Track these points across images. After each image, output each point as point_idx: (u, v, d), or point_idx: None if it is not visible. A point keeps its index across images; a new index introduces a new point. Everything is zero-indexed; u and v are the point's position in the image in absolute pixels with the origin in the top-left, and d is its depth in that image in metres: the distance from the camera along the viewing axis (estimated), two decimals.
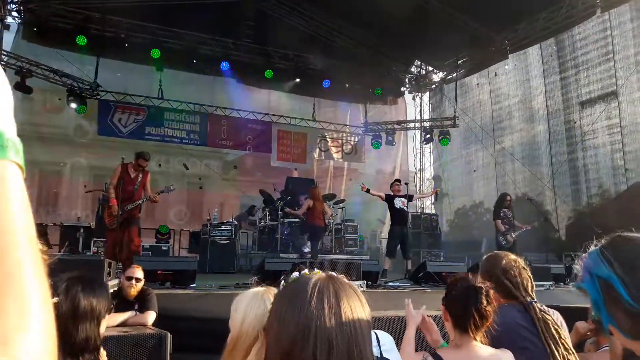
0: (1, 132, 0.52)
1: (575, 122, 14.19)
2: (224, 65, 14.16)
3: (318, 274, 1.16)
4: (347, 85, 15.75)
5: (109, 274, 5.58)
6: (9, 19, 12.67)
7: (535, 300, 2.46)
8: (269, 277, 6.83)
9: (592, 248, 1.31)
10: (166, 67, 14.12)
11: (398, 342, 2.64)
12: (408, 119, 18.28)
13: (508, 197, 11.17)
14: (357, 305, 1.09)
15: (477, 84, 17.32)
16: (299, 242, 10.79)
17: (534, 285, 2.56)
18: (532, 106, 15.78)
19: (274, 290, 1.98)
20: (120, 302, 4.52)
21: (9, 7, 12.33)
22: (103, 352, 2.52)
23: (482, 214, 17.55)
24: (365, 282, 6.88)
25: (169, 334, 4.05)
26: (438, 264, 9.33)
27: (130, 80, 14.85)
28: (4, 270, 0.49)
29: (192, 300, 5.76)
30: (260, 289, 1.99)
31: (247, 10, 13.59)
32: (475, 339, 2.14)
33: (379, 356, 1.82)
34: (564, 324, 2.58)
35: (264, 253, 11.91)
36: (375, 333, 1.83)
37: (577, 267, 1.34)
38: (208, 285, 6.86)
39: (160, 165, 16.42)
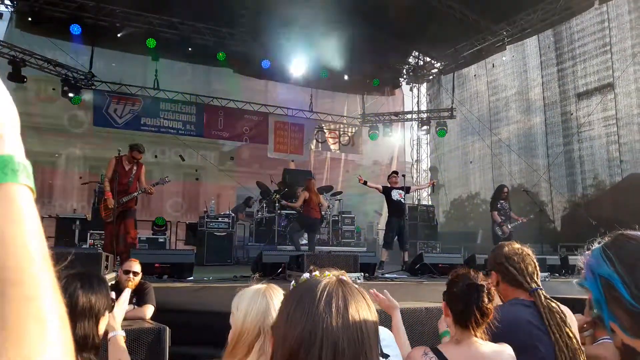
0: (11, 155, 0.53)
1: (571, 114, 14.22)
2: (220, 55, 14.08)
3: (328, 277, 1.15)
4: (346, 76, 15.68)
5: (106, 267, 5.56)
6: (2, 7, 12.55)
7: (541, 287, 2.45)
8: (267, 270, 6.90)
9: (595, 245, 1.31)
10: (162, 57, 14.03)
11: None
12: (405, 110, 18.27)
13: (505, 189, 11.23)
14: (365, 311, 1.09)
15: (475, 75, 17.31)
16: (296, 234, 10.77)
17: (538, 273, 2.54)
18: (529, 98, 15.79)
19: (275, 287, 1.98)
20: (118, 295, 4.50)
21: None
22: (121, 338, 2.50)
23: (478, 204, 17.61)
24: (362, 274, 6.89)
25: (167, 328, 4.05)
26: (435, 256, 9.36)
27: (126, 71, 14.75)
28: (24, 294, 0.50)
29: (190, 293, 5.76)
30: (261, 285, 1.98)
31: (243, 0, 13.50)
32: (476, 335, 2.14)
33: (379, 352, 1.83)
34: (574, 320, 2.57)
35: (261, 245, 11.92)
36: None
37: (580, 264, 1.33)
38: (206, 278, 6.86)
39: (156, 156, 16.36)
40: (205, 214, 11.20)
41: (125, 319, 4.34)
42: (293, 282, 1.23)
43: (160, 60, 14.09)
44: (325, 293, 1.08)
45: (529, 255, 2.53)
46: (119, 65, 14.75)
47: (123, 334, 2.67)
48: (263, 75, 15.78)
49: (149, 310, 4.57)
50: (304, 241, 11.40)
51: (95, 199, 11.22)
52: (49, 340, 0.50)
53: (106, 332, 2.46)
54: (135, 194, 8.13)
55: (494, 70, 16.78)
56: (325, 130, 17.44)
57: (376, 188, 9.86)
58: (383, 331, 1.96)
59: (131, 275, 4.67)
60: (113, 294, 2.51)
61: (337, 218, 14.04)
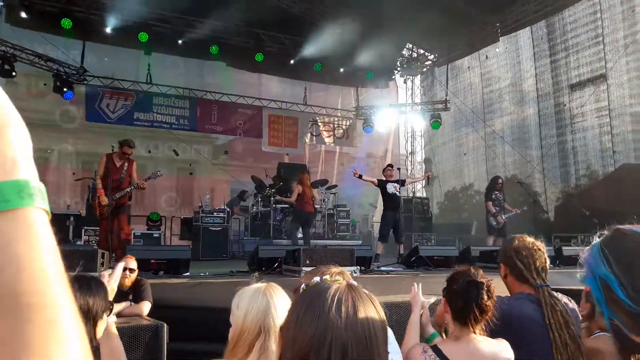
0: (27, 180, 0.54)
1: (564, 105, 14.28)
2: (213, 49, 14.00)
3: (339, 281, 1.17)
4: (340, 69, 15.64)
5: (102, 264, 5.54)
6: None
7: (547, 284, 2.44)
8: (263, 265, 6.89)
9: (595, 240, 1.30)
10: (154, 51, 13.93)
11: (393, 328, 2.68)
12: (399, 102, 18.26)
13: (500, 180, 11.31)
14: (374, 317, 1.10)
15: (468, 67, 17.33)
16: (292, 228, 10.75)
17: (547, 269, 2.52)
18: (522, 89, 15.84)
19: (275, 286, 1.98)
20: (115, 293, 4.49)
21: None
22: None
23: (472, 196, 17.69)
24: (358, 267, 6.91)
25: (165, 324, 4.05)
26: (430, 248, 9.40)
27: (118, 65, 14.64)
28: (46, 317, 0.51)
29: (186, 289, 5.75)
30: (261, 284, 1.98)
31: None
32: (475, 332, 2.15)
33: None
34: (579, 317, 2.57)
35: (256, 239, 11.92)
36: None
37: (581, 260, 1.33)
38: (202, 274, 6.85)
39: (149, 151, 16.30)
40: (200, 209, 11.17)
41: (122, 315, 4.36)
42: (303, 285, 1.24)
43: (152, 54, 13.99)
44: (336, 298, 1.09)
45: (539, 250, 2.51)
46: (111, 59, 14.64)
47: (114, 319, 2.65)
48: (256, 68, 15.72)
49: (145, 306, 4.58)
50: (299, 235, 11.40)
51: (89, 194, 11.17)
52: None
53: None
54: (128, 189, 8.12)
55: (488, 61, 16.80)
56: (319, 124, 17.41)
57: (371, 182, 9.87)
58: None
59: (127, 272, 4.67)
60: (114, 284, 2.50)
61: (332, 211, 14.04)
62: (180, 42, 13.62)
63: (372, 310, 1.11)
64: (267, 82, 16.94)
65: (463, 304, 2.16)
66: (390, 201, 9.53)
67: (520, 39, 15.72)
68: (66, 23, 12.16)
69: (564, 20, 14.29)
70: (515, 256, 2.49)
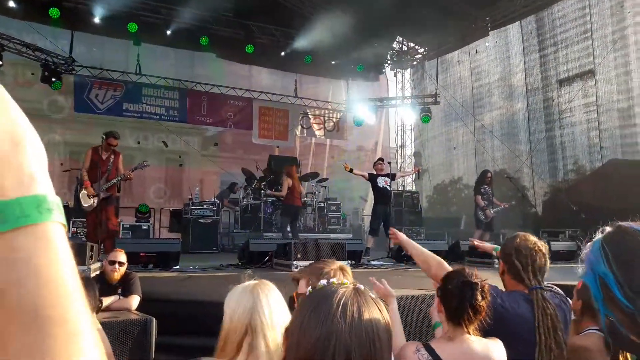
0: (45, 195, 0.55)
1: (553, 100, 14.34)
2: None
3: (345, 285, 1.18)
4: (330, 62, 15.60)
5: (91, 257, 5.52)
6: None
7: (542, 286, 2.45)
8: (254, 259, 6.89)
9: (597, 236, 1.31)
10: (144, 41, 13.81)
11: None
12: (390, 95, 18.27)
13: (489, 174, 11.40)
14: (379, 322, 1.12)
15: (458, 61, 17.35)
16: (283, 222, 10.69)
17: (545, 271, 2.53)
18: (511, 84, 15.89)
19: (266, 283, 1.96)
20: (104, 286, 4.49)
21: None
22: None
23: (461, 189, 17.77)
24: (349, 262, 6.92)
25: (154, 319, 4.05)
26: (420, 242, 9.41)
27: (107, 55, 14.52)
28: (68, 331, 0.52)
29: (176, 282, 5.75)
30: (250, 282, 1.95)
31: None
32: (469, 332, 2.17)
33: None
34: (571, 317, 2.60)
35: (247, 232, 11.90)
36: None
37: (582, 255, 1.33)
38: (192, 267, 6.84)
39: (139, 142, 16.19)
40: (190, 201, 11.13)
41: (111, 309, 4.36)
42: (310, 288, 1.25)
43: (142, 45, 13.86)
44: (342, 302, 1.10)
45: (540, 251, 2.51)
46: (100, 49, 14.51)
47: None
48: (247, 59, 15.64)
49: (134, 300, 4.57)
50: (289, 228, 11.40)
51: (78, 186, 11.09)
52: None
53: None
54: (115, 180, 8.10)
55: (477, 56, 16.83)
56: (310, 116, 17.39)
57: (362, 175, 9.88)
58: None
59: (117, 265, 4.66)
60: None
61: (322, 204, 14.05)
62: (169, 32, 13.51)
63: (377, 315, 1.12)
64: (258, 74, 16.87)
65: (457, 304, 2.17)
66: (381, 195, 9.56)
67: (510, 33, 15.75)
68: (54, 12, 12.01)
69: (553, 15, 14.34)
70: (514, 255, 2.50)
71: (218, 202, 11.50)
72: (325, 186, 14.77)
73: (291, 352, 1.12)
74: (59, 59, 13.04)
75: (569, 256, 9.24)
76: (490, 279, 2.40)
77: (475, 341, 2.18)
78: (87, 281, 2.28)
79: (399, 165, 17.83)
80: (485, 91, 16.76)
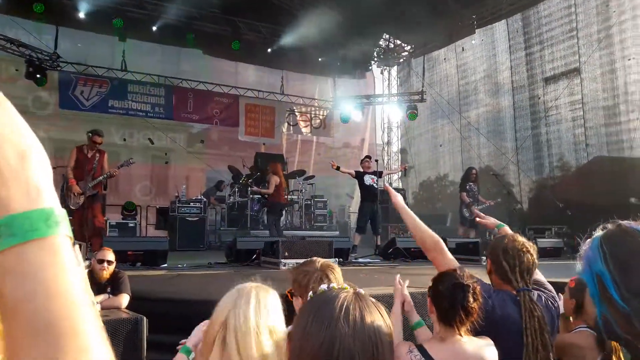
0: (52, 208, 0.56)
1: (539, 98, 14.45)
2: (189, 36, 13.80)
3: (345, 289, 1.19)
4: (317, 59, 15.59)
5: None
6: None
7: (529, 288, 2.46)
8: (241, 257, 6.87)
9: (597, 233, 1.31)
10: (129, 37, 13.67)
11: None
12: (376, 92, 18.31)
13: (474, 171, 11.49)
14: (381, 326, 1.12)
15: (445, 59, 17.41)
16: (271, 220, 10.65)
17: (533, 272, 2.53)
18: (497, 81, 15.98)
19: (264, 288, 1.93)
20: (92, 285, 4.46)
21: None
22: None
23: (447, 186, 17.86)
24: (337, 259, 6.93)
25: (145, 318, 4.02)
26: (407, 240, 9.45)
27: (92, 51, 14.36)
28: (79, 345, 0.53)
29: (165, 281, 5.72)
30: (247, 284, 1.92)
31: None
32: (460, 334, 2.18)
33: None
34: (556, 314, 2.60)
35: (234, 230, 11.88)
36: None
37: (581, 251, 1.33)
38: (180, 265, 6.82)
39: (125, 139, 16.04)
40: (176, 199, 11.07)
41: (100, 308, 4.32)
42: (311, 293, 1.26)
43: (127, 41, 13.73)
44: (344, 307, 1.11)
45: (528, 252, 2.50)
46: (85, 45, 14.35)
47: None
48: (233, 56, 15.57)
49: (124, 299, 4.56)
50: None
51: (64, 184, 10.98)
52: None
53: None
54: (101, 177, 8.07)
55: (464, 53, 16.89)
56: (296, 113, 17.36)
57: (349, 173, 9.88)
58: None
59: (105, 264, 4.64)
60: None
61: (309, 202, 14.05)
62: (155, 28, 13.40)
63: (379, 319, 1.13)
64: (244, 71, 16.82)
65: (449, 306, 2.18)
66: (368, 193, 9.57)
67: (496, 31, 15.83)
68: (38, 7, 11.85)
69: (539, 13, 14.44)
70: (502, 255, 2.50)
71: (205, 199, 11.45)
72: (311, 184, 14.77)
73: (294, 356, 1.13)
74: (43, 55, 12.88)
75: (555, 253, 9.33)
76: (477, 275, 2.40)
77: (467, 342, 2.19)
78: None
79: (385, 162, 17.87)
80: (471, 89, 16.85)
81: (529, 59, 14.82)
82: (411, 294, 4.94)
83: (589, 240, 1.33)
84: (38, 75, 12.58)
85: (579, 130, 13.39)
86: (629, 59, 12.24)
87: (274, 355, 1.74)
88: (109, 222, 10.19)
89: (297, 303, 2.37)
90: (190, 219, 10.68)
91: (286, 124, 17.38)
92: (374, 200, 9.54)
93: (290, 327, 2.26)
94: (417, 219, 2.83)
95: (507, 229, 3.04)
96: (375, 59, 17.86)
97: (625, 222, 1.29)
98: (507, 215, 11.64)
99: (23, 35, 12.71)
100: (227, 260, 7.43)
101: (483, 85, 16.54)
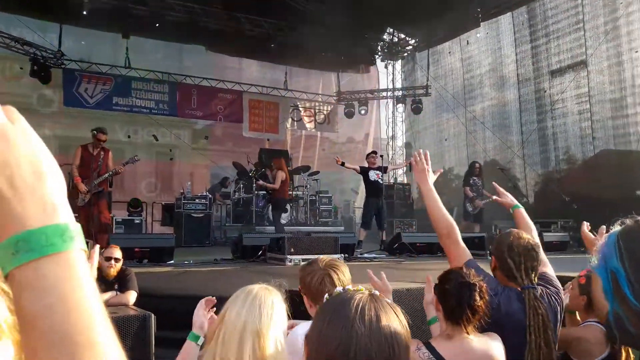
0: (67, 223, 0.58)
1: (545, 91, 14.35)
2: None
3: (361, 291, 1.19)
4: (320, 53, 15.52)
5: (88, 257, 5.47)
6: None
7: (534, 285, 2.44)
8: (247, 253, 6.87)
9: (615, 228, 1.29)
10: (132, 34, 13.67)
11: None
12: (380, 87, 18.25)
13: (477, 165, 11.45)
14: (396, 326, 1.13)
15: (449, 52, 17.30)
16: (277, 216, 10.62)
17: (538, 269, 2.50)
18: (503, 75, 15.88)
19: (269, 289, 1.96)
20: (100, 282, 4.47)
21: None
22: None
23: (452, 180, 17.80)
24: (342, 255, 6.92)
25: (153, 315, 4.02)
26: (413, 235, 9.47)
27: (95, 49, 14.38)
28: (95, 354, 0.55)
29: (171, 277, 5.73)
30: (255, 285, 1.97)
31: None
32: (467, 332, 2.17)
33: None
34: (560, 309, 2.59)
35: (239, 226, 11.91)
36: None
37: (598, 245, 1.32)
38: (186, 262, 6.83)
39: (129, 136, 16.06)
40: (182, 196, 11.09)
41: (108, 305, 4.32)
42: (327, 295, 1.28)
43: (131, 38, 13.74)
44: (359, 309, 1.11)
45: (533, 249, 2.47)
46: (89, 43, 14.36)
47: None
48: (237, 52, 15.54)
49: (131, 296, 4.57)
50: (283, 221, 11.39)
51: (70, 181, 11.01)
52: None
53: None
54: (106, 175, 8.09)
55: (469, 47, 16.79)
56: (300, 109, 17.34)
57: (354, 169, 9.85)
58: None
59: (113, 261, 4.66)
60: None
61: (314, 198, 14.04)
62: (158, 25, 13.36)
63: (394, 319, 1.14)
64: (248, 67, 16.80)
65: (455, 305, 2.17)
66: (373, 188, 9.54)
67: (502, 24, 15.72)
68: (42, 5, 11.85)
69: (544, 5, 14.33)
70: (507, 253, 2.47)
71: (210, 196, 11.47)
72: (316, 179, 14.76)
73: (312, 359, 1.14)
74: (47, 53, 12.90)
75: (562, 247, 9.31)
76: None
77: (474, 339, 2.18)
78: None
79: (390, 157, 17.83)
80: (476, 82, 16.75)
81: (535, 52, 14.71)
82: (417, 289, 4.93)
83: (606, 234, 1.32)
84: (42, 73, 12.60)
85: (586, 123, 13.30)
86: (637, 51, 12.14)
87: (275, 357, 1.80)
88: (115, 219, 10.22)
89: (306, 301, 2.40)
90: (195, 215, 10.71)
91: (290, 120, 17.37)
92: (379, 196, 9.51)
93: (299, 326, 2.29)
94: (439, 201, 2.80)
95: (522, 211, 3.02)
96: (379, 53, 17.79)
97: None
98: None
99: (27, 34, 12.76)
100: (233, 256, 7.44)
101: (488, 78, 16.43)
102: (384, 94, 17.93)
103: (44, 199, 0.57)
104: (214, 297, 2.40)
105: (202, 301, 2.39)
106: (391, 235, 9.90)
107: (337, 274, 2.33)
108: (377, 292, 1.20)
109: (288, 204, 11.79)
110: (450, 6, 13.96)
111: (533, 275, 2.46)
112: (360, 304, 1.13)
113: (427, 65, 16.29)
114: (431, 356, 2.14)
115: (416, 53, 17.51)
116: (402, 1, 13.51)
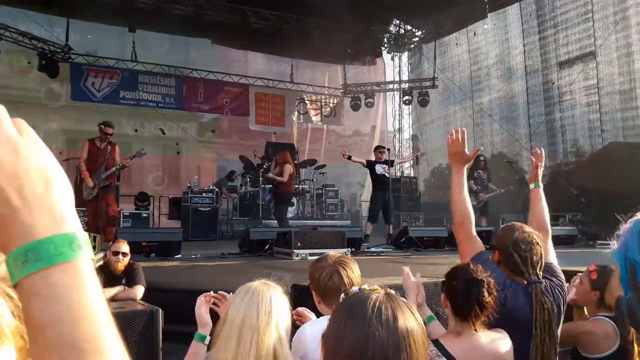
0: (75, 233, 0.59)
1: (553, 83, 14.24)
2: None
3: (377, 290, 1.20)
4: (327, 45, 15.45)
5: (94, 247, 5.50)
6: None
7: (540, 280, 2.43)
8: (254, 247, 6.88)
9: (638, 217, 1.28)
10: (139, 28, 13.67)
11: None
12: (387, 79, 18.17)
13: (482, 158, 11.38)
14: (413, 325, 1.14)
15: (456, 44, 17.19)
16: (283, 210, 10.56)
17: (543, 263, 2.49)
18: (510, 66, 15.76)
19: (268, 285, 1.98)
20: (108, 277, 4.50)
21: None
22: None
23: None
24: (349, 249, 6.92)
25: (160, 309, 4.03)
26: (420, 229, 9.45)
27: (102, 42, 14.41)
28: None
29: (179, 272, 5.75)
30: (254, 282, 1.99)
31: None
32: (476, 329, 2.16)
33: None
34: (563, 302, 2.57)
35: (245, 220, 11.93)
36: None
37: (621, 230, 1.30)
38: (193, 256, 6.85)
39: (136, 130, 16.09)
40: (189, 189, 11.11)
41: (116, 300, 4.35)
42: (343, 295, 1.29)
43: (137, 32, 13.74)
44: (376, 308, 1.13)
45: (537, 243, 2.46)
46: (95, 37, 14.39)
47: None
48: (243, 45, 15.51)
49: (139, 290, 4.58)
50: (290, 215, 11.38)
51: (78, 175, 11.05)
52: None
53: None
54: (114, 169, 8.12)
55: (476, 38, 16.67)
56: (307, 102, 17.31)
57: (360, 162, 9.82)
58: None
59: (120, 256, 4.67)
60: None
61: (321, 191, 14.03)
62: (165, 19, 13.34)
63: (411, 318, 1.15)
64: (254, 60, 16.78)
65: (463, 302, 2.17)
66: (379, 182, 9.52)
67: (509, 15, 15.59)
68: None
69: None
70: (512, 247, 2.45)
71: (217, 190, 11.48)
72: (323, 173, 14.73)
73: (329, 358, 1.15)
74: (55, 47, 12.94)
75: (569, 241, 9.26)
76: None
77: (483, 336, 2.18)
78: None
79: (397, 149, 17.78)
80: (483, 74, 16.64)
81: (543, 43, 14.57)
82: (424, 284, 4.93)
83: (630, 220, 1.30)
84: (50, 68, 12.66)
85: (594, 115, 13.19)
86: None
87: (277, 351, 1.82)
88: (123, 213, 10.24)
89: (314, 297, 2.41)
90: (202, 209, 10.74)
91: (296, 113, 17.34)
92: (385, 189, 9.49)
93: (307, 324, 2.29)
94: (465, 187, 2.75)
95: (541, 192, 2.99)
96: (386, 45, 17.70)
97: None
98: (521, 202, 11.53)
99: (35, 28, 12.81)
100: (240, 250, 7.46)
101: (496, 70, 16.32)
102: (391, 86, 17.85)
103: (52, 208, 0.58)
104: (212, 292, 2.42)
105: (201, 298, 2.41)
106: (398, 229, 9.88)
107: (346, 271, 2.34)
108: (392, 291, 1.21)
109: (294, 198, 11.79)
110: None
111: (539, 269, 2.45)
112: (377, 304, 1.14)
113: (434, 57, 16.20)
114: (439, 354, 2.14)
115: (423, 45, 17.42)
116: None
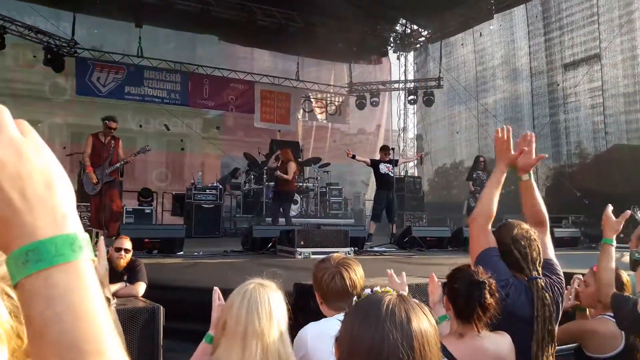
0: (76, 233, 0.59)
1: (558, 85, 14.21)
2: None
3: (390, 292, 1.21)
4: (333, 44, 15.45)
5: (96, 243, 5.51)
6: None
7: (541, 276, 2.43)
8: (257, 245, 6.88)
9: None
10: (145, 23, 13.70)
11: None
12: (392, 79, 18.16)
13: (481, 159, 11.34)
14: (426, 327, 1.15)
15: (462, 44, 17.17)
16: (286, 209, 10.56)
17: (542, 259, 2.48)
18: (516, 68, 15.73)
19: (267, 284, 1.97)
20: (110, 273, 4.49)
21: None
22: None
23: (462, 173, 17.72)
24: (352, 248, 6.93)
25: (161, 307, 4.05)
26: (423, 229, 9.43)
27: (108, 38, 14.44)
28: None
29: (181, 269, 5.75)
30: (248, 283, 1.97)
31: None
32: (478, 331, 2.16)
33: None
34: (561, 298, 2.58)
35: (249, 217, 11.93)
36: None
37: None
38: (196, 253, 6.85)
39: (141, 125, 16.14)
40: (192, 186, 11.12)
41: (117, 296, 4.36)
42: (356, 297, 1.29)
43: (143, 27, 13.77)
44: (389, 311, 1.14)
45: (535, 240, 2.45)
46: (102, 32, 14.42)
47: (114, 301, 2.63)
48: (249, 42, 15.51)
49: (141, 287, 4.59)
50: (293, 213, 11.38)
51: (81, 170, 11.09)
52: None
53: None
54: (117, 165, 8.15)
55: (482, 39, 16.64)
56: (312, 100, 17.31)
57: (364, 162, 9.82)
58: None
59: (122, 252, 4.68)
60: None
61: (324, 190, 14.03)
62: (171, 14, 13.36)
63: (424, 319, 1.16)
64: (260, 57, 16.78)
65: (465, 304, 2.16)
66: (383, 181, 9.51)
67: (515, 16, 15.56)
68: None
69: None
70: (512, 244, 2.43)
71: (220, 186, 11.48)
72: (327, 171, 14.73)
73: None
74: (61, 41, 12.97)
75: (572, 243, 9.23)
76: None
77: (486, 338, 2.18)
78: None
79: (401, 149, 17.76)
80: (489, 75, 16.61)
81: (548, 45, 14.54)
82: (427, 284, 4.92)
83: None
84: (56, 62, 12.69)
85: (598, 117, 13.16)
86: None
87: (280, 352, 1.82)
88: (126, 208, 10.27)
89: (317, 297, 2.43)
90: (206, 205, 10.73)
91: (301, 110, 17.35)
92: (389, 189, 9.48)
93: (309, 326, 2.30)
94: (498, 188, 2.67)
95: (534, 183, 2.77)
96: (392, 44, 17.69)
97: None
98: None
99: (41, 22, 12.83)
100: (243, 248, 7.46)
101: (501, 71, 16.30)
102: (396, 85, 17.82)
103: (54, 209, 0.59)
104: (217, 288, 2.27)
105: (216, 292, 2.23)
106: (401, 228, 9.87)
107: (349, 272, 2.34)
108: (404, 293, 1.23)
109: (297, 196, 11.79)
110: None
111: (538, 264, 2.45)
112: (390, 305, 1.15)
113: (440, 57, 16.18)
114: (442, 356, 2.14)
115: (429, 44, 17.40)
116: None
